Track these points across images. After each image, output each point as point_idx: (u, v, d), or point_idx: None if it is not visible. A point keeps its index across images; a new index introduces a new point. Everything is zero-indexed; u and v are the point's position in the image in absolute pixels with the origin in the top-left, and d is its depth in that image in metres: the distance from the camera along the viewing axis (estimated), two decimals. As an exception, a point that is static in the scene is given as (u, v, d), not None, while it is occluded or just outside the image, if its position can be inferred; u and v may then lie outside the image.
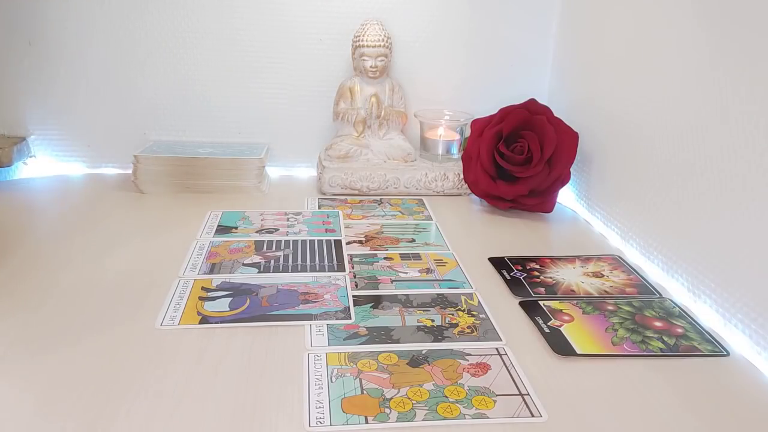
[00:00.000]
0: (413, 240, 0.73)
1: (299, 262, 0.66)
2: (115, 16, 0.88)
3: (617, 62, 0.76)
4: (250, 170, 0.86)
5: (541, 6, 0.92)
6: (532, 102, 0.81)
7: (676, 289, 0.62)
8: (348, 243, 0.71)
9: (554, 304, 0.59)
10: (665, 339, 0.53)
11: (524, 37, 0.94)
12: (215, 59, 0.91)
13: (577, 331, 0.54)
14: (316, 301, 0.57)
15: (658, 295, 0.61)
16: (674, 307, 0.59)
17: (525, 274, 0.65)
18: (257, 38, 0.91)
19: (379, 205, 0.84)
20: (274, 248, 0.69)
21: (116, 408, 0.42)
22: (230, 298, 0.57)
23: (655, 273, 0.66)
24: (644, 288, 0.63)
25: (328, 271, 0.64)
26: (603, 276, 0.65)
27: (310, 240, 0.71)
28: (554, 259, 0.68)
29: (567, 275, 0.65)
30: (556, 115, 0.81)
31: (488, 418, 0.43)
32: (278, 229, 0.74)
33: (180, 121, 0.93)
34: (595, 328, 0.55)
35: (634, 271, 0.66)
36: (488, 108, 0.85)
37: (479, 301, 0.59)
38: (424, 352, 0.50)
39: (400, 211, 0.82)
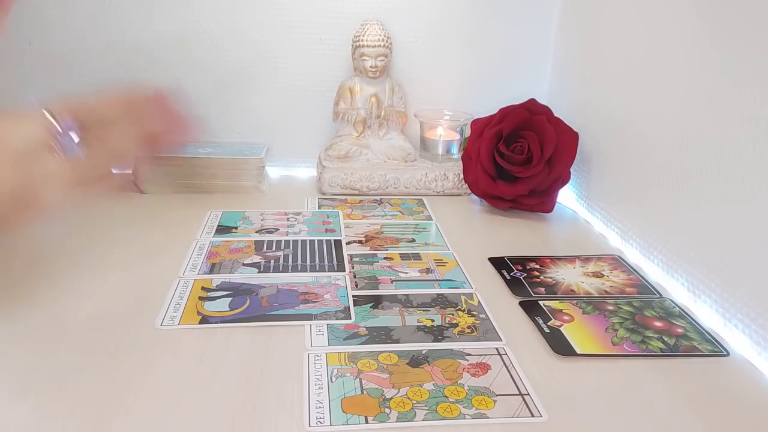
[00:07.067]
0: (413, 240, 0.73)
1: (299, 262, 0.66)
2: (116, 16, 0.88)
3: (617, 62, 0.76)
4: (250, 170, 0.86)
5: (540, 6, 0.92)
6: (532, 102, 0.81)
7: (676, 289, 0.62)
8: (348, 243, 0.71)
9: (554, 304, 0.59)
10: (665, 339, 0.53)
11: (524, 37, 0.94)
12: (215, 59, 0.91)
13: (577, 331, 0.54)
14: (316, 301, 0.57)
15: (658, 295, 0.61)
16: (674, 307, 0.59)
17: (525, 274, 0.65)
18: (257, 38, 0.91)
19: (379, 205, 0.84)
20: (274, 248, 0.69)
21: (116, 408, 0.42)
22: (230, 298, 0.57)
23: (655, 273, 0.66)
24: (644, 288, 0.63)
25: (328, 271, 0.64)
26: (603, 276, 0.65)
27: (310, 240, 0.71)
28: (554, 259, 0.68)
29: (567, 275, 0.65)
30: (556, 115, 0.81)
31: (488, 418, 0.43)
32: (278, 229, 0.74)
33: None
34: (595, 328, 0.55)
35: (634, 271, 0.66)
36: (488, 108, 0.85)
37: (479, 301, 0.59)
38: (424, 352, 0.50)
39: (400, 211, 0.82)
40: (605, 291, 0.62)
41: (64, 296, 0.57)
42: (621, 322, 0.56)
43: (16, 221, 0.49)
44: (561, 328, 0.54)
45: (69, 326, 0.52)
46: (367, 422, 0.42)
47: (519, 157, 0.79)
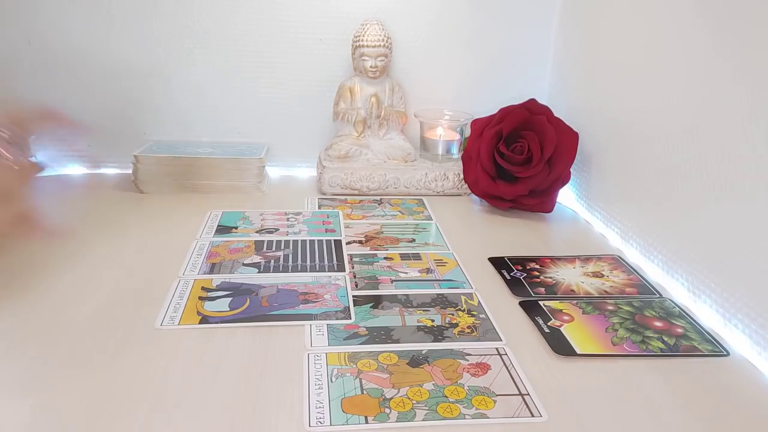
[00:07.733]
0: (413, 240, 0.73)
1: (299, 262, 0.66)
2: (116, 16, 0.88)
3: (617, 62, 0.76)
4: (250, 170, 0.86)
5: (540, 6, 0.92)
6: (532, 102, 0.81)
7: (676, 289, 0.62)
8: (348, 243, 0.71)
9: (554, 304, 0.59)
10: (665, 339, 0.53)
11: (524, 37, 0.94)
12: (215, 59, 0.91)
13: (577, 331, 0.54)
14: (316, 301, 0.57)
15: (658, 295, 0.61)
16: (674, 307, 0.59)
17: (525, 274, 0.65)
18: (257, 38, 0.91)
19: (379, 205, 0.84)
20: (274, 248, 0.69)
21: (116, 408, 0.42)
22: (230, 298, 0.57)
23: (655, 273, 0.66)
24: (644, 288, 0.63)
25: (328, 271, 0.64)
26: (603, 276, 0.65)
27: (310, 240, 0.71)
28: (554, 259, 0.68)
29: (567, 275, 0.65)
30: (556, 115, 0.81)
31: (488, 418, 0.43)
32: (278, 229, 0.74)
33: (180, 121, 0.93)
34: (595, 328, 0.55)
35: (634, 271, 0.66)
36: (488, 108, 0.85)
37: (479, 301, 0.59)
38: (424, 352, 0.50)
39: (400, 211, 0.82)
40: (605, 291, 0.62)
41: (64, 296, 0.57)
42: (621, 322, 0.56)
43: None
44: (561, 328, 0.54)
45: (69, 326, 0.52)
46: (367, 422, 0.42)
47: (519, 157, 0.79)
